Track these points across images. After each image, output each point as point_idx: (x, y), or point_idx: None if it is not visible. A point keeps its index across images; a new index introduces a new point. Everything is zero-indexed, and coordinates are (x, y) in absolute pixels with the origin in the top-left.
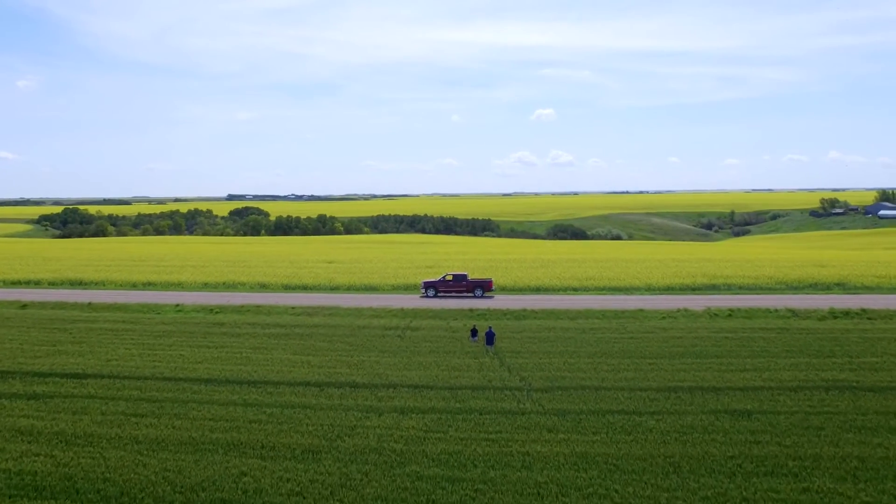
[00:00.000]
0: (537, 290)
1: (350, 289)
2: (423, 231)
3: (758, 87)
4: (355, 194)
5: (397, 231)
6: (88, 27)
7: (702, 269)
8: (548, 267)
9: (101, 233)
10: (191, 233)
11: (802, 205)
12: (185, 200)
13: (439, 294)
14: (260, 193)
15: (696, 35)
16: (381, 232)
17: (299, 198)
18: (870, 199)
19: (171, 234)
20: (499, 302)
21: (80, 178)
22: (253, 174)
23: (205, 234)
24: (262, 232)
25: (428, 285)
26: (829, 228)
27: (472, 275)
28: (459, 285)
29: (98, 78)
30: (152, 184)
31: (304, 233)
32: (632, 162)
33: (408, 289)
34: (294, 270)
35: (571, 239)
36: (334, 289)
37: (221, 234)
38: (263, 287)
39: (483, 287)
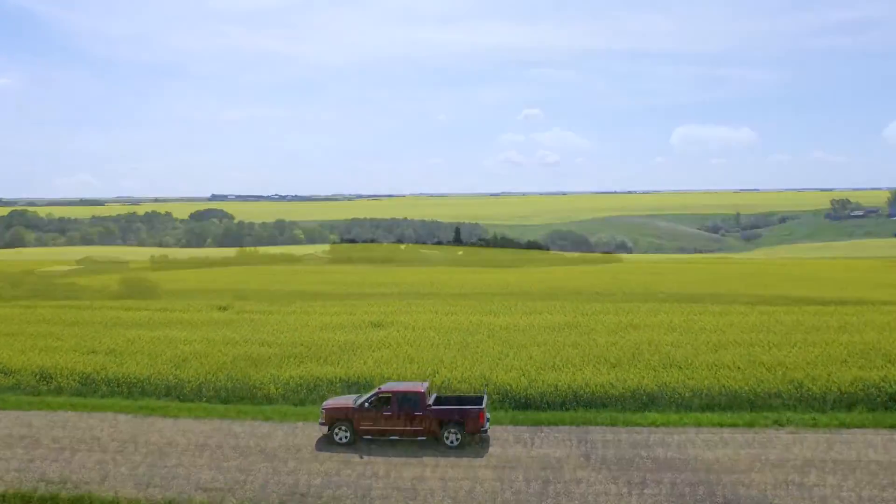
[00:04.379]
0: (575, 398)
1: (185, 407)
2: (401, 240)
3: (740, 88)
4: (340, 194)
5: (372, 239)
6: (70, 25)
7: (864, 336)
8: (588, 333)
9: (17, 242)
10: (124, 242)
11: (808, 205)
12: (166, 201)
13: (361, 436)
14: (243, 193)
15: (679, 36)
16: (351, 240)
17: (283, 198)
18: (874, 199)
19: (98, 245)
20: (506, 471)
21: (63, 177)
22: (238, 174)
23: (140, 243)
24: (209, 241)
25: (335, 416)
26: (852, 233)
27: (446, 356)
28: (407, 418)
29: (81, 76)
30: (137, 183)
31: (258, 242)
32: (618, 162)
33: (311, 404)
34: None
35: (573, 249)
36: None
37: (160, 245)
38: None
39: (462, 422)
